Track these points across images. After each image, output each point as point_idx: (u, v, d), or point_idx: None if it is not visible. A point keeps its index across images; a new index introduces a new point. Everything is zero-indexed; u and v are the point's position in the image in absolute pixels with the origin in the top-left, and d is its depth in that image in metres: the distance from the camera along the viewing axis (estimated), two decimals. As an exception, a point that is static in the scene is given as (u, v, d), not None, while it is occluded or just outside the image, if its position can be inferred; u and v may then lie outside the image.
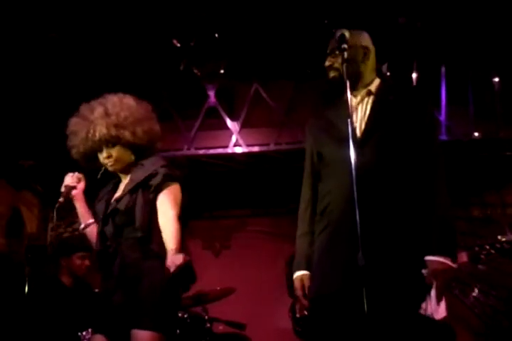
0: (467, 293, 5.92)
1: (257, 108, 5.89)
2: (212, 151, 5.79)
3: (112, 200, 2.92)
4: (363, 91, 2.68)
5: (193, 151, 5.79)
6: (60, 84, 5.40)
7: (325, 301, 2.47)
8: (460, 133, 5.54)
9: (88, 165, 3.05)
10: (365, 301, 2.08)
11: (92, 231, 2.97)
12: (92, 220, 3.00)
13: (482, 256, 3.81)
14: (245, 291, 5.42)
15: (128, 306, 2.66)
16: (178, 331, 4.22)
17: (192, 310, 4.59)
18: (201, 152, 5.80)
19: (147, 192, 2.81)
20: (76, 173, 3.05)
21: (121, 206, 2.81)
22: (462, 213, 6.09)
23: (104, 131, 2.88)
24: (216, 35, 5.59)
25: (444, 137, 5.50)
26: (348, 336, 2.41)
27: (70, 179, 3.03)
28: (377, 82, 2.74)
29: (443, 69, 5.61)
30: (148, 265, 2.72)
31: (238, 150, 5.76)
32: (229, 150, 5.79)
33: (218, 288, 4.76)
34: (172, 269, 2.48)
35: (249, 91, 5.86)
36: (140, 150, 2.98)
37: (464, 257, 3.83)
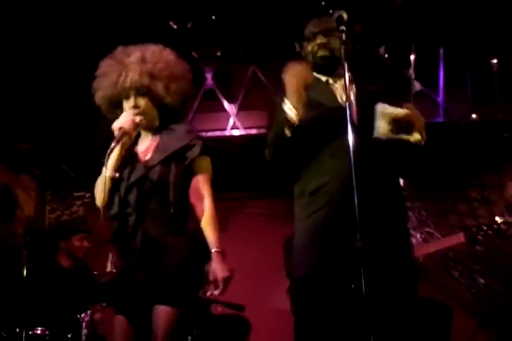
0: (464, 274, 5.96)
1: (255, 90, 5.86)
2: (209, 134, 5.78)
3: (140, 164, 2.70)
4: (342, 79, 2.70)
5: (190, 134, 5.78)
6: (57, 68, 5.37)
7: (321, 279, 2.49)
8: (458, 115, 5.53)
9: (109, 112, 2.83)
10: (363, 282, 2.10)
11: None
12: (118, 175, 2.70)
13: (479, 237, 3.84)
14: (243, 273, 5.42)
15: (151, 284, 2.55)
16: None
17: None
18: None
19: (182, 163, 2.68)
20: (135, 116, 2.73)
21: (154, 176, 2.64)
22: (460, 194, 6.11)
23: (136, 77, 2.71)
24: (213, 17, 5.55)
25: (441, 119, 5.50)
26: (344, 314, 2.43)
27: (127, 121, 2.70)
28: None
29: (441, 51, 5.58)
30: (174, 240, 2.61)
31: (236, 132, 5.75)
32: (226, 133, 5.78)
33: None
34: (221, 286, 2.53)
35: (246, 73, 5.84)
36: (167, 111, 2.80)
37: (461, 238, 3.85)
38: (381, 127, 2.47)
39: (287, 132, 2.50)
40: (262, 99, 5.85)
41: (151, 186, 2.62)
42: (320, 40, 2.71)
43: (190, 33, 5.68)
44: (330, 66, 2.72)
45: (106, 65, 2.80)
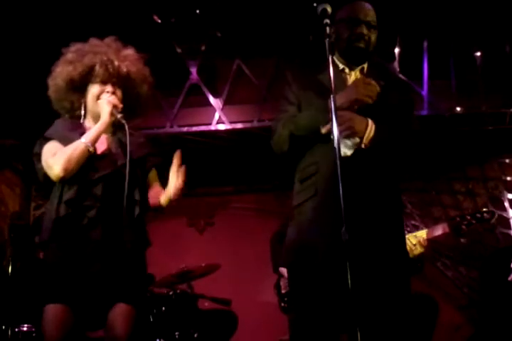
0: (449, 266, 6.00)
1: (240, 85, 5.85)
2: (195, 129, 5.76)
3: (106, 159, 2.66)
4: (358, 70, 2.74)
5: (175, 129, 5.76)
6: (41, 63, 5.32)
7: (310, 269, 2.50)
8: (442, 108, 5.56)
9: (63, 96, 2.74)
10: (349, 275, 2.10)
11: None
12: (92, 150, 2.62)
13: (463, 227, 3.85)
14: (230, 268, 5.46)
15: (110, 279, 2.53)
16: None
17: (177, 286, 4.61)
18: (184, 129, 5.77)
19: (144, 169, 2.76)
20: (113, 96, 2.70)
21: (123, 174, 2.60)
22: (444, 187, 6.15)
23: (134, 69, 2.77)
24: (197, 11, 5.52)
25: (426, 112, 5.52)
26: (330, 306, 2.44)
27: (116, 102, 2.70)
28: (366, 63, 2.78)
29: (425, 44, 5.60)
30: (135, 237, 2.63)
31: (221, 127, 5.74)
32: (212, 128, 5.76)
33: (203, 265, 4.78)
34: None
35: (231, 67, 5.82)
36: (130, 112, 2.78)
37: (445, 228, 3.86)
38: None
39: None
40: (247, 93, 5.84)
41: (118, 183, 2.59)
42: (363, 30, 2.68)
43: (174, 27, 5.65)
44: (359, 58, 2.73)
45: (98, 45, 2.77)
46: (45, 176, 2.65)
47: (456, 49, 5.57)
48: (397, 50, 5.60)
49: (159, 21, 5.58)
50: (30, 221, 6.07)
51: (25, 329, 3.86)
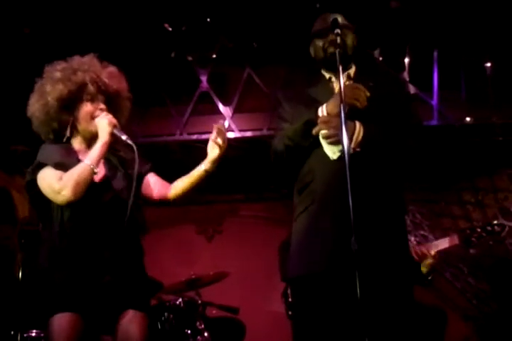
0: (458, 277, 5.97)
1: (250, 93, 5.87)
2: (204, 136, 5.76)
3: (102, 181, 2.64)
4: (344, 76, 2.73)
5: (185, 136, 5.78)
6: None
7: (315, 280, 2.49)
8: (452, 118, 5.55)
9: (53, 115, 2.66)
10: (357, 285, 2.10)
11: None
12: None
13: (473, 239, 3.85)
14: (238, 276, 5.45)
15: (120, 288, 2.56)
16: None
17: (185, 294, 4.62)
18: (194, 137, 5.79)
19: (139, 181, 2.74)
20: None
21: (119, 191, 2.64)
22: (454, 197, 6.14)
23: (121, 85, 2.75)
24: (208, 19, 5.55)
25: (435, 122, 5.51)
26: (337, 315, 2.44)
27: (111, 117, 2.64)
28: (353, 67, 2.83)
29: (435, 54, 5.60)
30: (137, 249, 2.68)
31: (231, 135, 5.74)
32: (221, 136, 5.76)
33: (211, 273, 4.78)
34: None
35: (241, 76, 5.84)
36: None
37: (455, 240, 3.86)
38: (329, 152, 2.57)
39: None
40: (257, 101, 5.86)
41: (119, 204, 2.61)
42: (331, 37, 2.69)
43: (185, 36, 5.68)
44: (339, 63, 2.74)
45: (86, 62, 2.74)
46: (43, 202, 2.60)
47: (466, 59, 5.57)
48: (407, 60, 5.61)
49: (170, 29, 5.61)
50: (39, 226, 6.08)
51: (33, 334, 3.87)
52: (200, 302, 4.58)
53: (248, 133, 5.77)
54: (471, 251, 5.61)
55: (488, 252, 5.74)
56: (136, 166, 2.60)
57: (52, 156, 2.63)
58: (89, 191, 2.54)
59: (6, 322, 3.86)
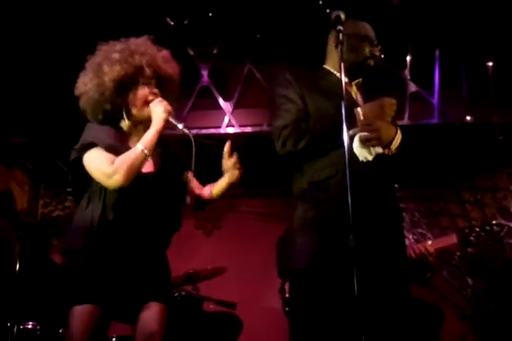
0: (455, 276, 5.98)
1: (250, 88, 5.86)
2: (204, 131, 5.78)
3: (153, 172, 2.63)
4: (354, 84, 2.78)
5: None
6: (53, 62, 5.36)
7: (319, 273, 2.49)
8: (453, 117, 5.55)
9: (108, 97, 2.56)
10: (355, 282, 2.10)
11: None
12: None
13: (472, 238, 3.86)
14: (236, 271, 5.46)
15: (143, 280, 2.53)
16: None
17: (183, 288, 4.62)
18: (193, 132, 5.76)
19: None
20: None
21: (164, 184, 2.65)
22: (453, 196, 6.14)
23: (174, 70, 2.70)
24: (210, 14, 5.54)
25: (436, 120, 5.51)
26: (335, 312, 2.44)
27: (166, 104, 2.62)
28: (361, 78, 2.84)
29: (437, 53, 5.60)
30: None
31: (231, 130, 5.75)
32: (221, 131, 5.77)
33: (209, 267, 4.78)
34: None
35: (242, 71, 5.84)
36: None
37: (454, 239, 3.87)
38: (361, 154, 2.55)
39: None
40: (258, 97, 5.85)
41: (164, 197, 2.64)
42: (376, 50, 2.76)
43: (186, 30, 5.67)
44: (362, 74, 2.79)
45: (147, 45, 2.69)
46: (84, 182, 2.57)
47: (468, 58, 5.57)
48: (408, 58, 5.60)
49: (172, 23, 5.60)
50: (38, 218, 6.10)
51: (30, 326, 3.87)
52: (197, 296, 4.58)
53: (248, 129, 5.77)
54: (469, 249, 5.62)
55: (486, 251, 5.74)
56: (193, 157, 2.62)
57: (104, 138, 2.54)
58: (137, 179, 2.50)
59: (3, 314, 3.86)
